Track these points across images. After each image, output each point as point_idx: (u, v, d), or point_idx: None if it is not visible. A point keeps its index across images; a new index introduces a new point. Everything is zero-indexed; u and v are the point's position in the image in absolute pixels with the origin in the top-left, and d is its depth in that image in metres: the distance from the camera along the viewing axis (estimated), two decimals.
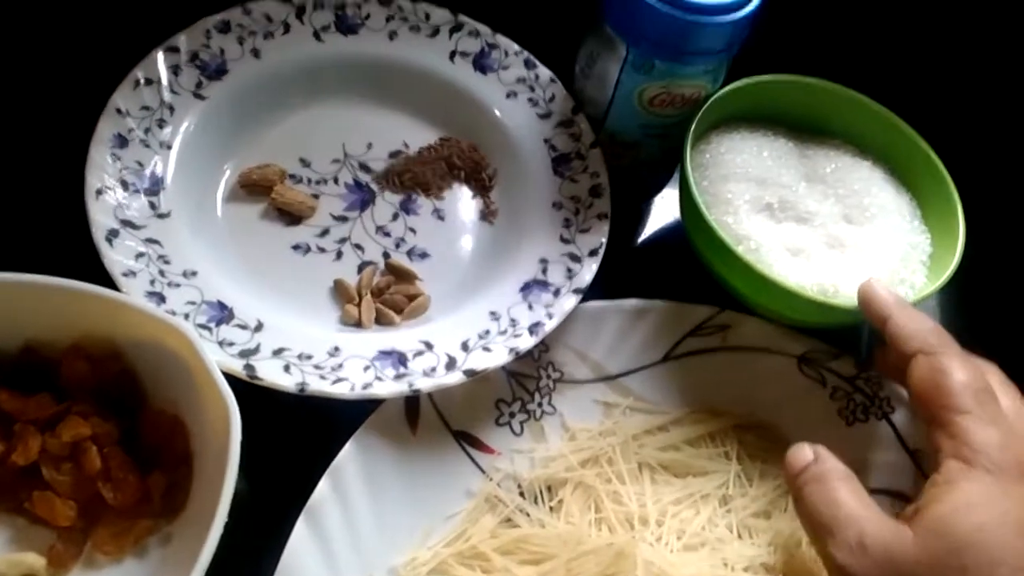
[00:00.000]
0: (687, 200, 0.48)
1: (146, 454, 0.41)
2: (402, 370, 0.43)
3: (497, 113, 0.54)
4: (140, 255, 0.43)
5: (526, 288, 0.47)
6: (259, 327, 0.43)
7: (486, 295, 0.47)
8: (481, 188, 0.53)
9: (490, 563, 0.41)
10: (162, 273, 0.43)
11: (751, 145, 0.52)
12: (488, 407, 0.46)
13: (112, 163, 0.45)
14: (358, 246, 0.49)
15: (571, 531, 0.42)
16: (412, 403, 0.44)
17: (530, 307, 0.46)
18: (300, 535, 0.39)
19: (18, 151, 0.51)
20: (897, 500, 0.46)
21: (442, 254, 0.50)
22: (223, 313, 0.43)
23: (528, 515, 0.44)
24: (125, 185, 0.45)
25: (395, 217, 0.51)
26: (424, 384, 0.42)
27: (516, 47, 0.55)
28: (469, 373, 0.43)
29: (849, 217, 0.51)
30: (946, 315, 0.56)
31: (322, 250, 0.49)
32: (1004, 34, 0.64)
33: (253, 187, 0.49)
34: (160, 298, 0.42)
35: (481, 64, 0.55)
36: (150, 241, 0.44)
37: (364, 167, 0.52)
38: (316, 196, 0.50)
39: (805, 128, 0.54)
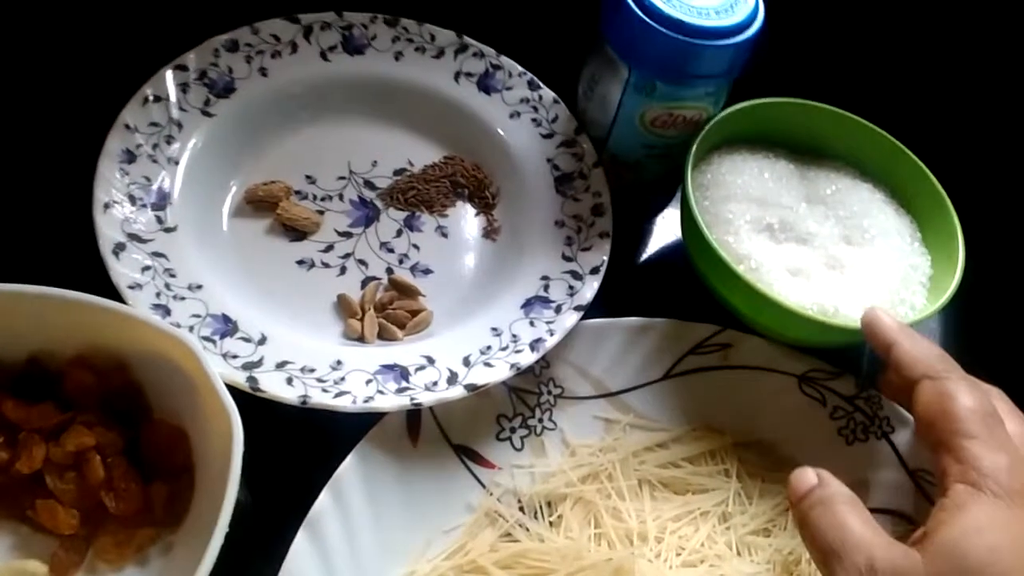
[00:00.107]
0: (688, 220, 0.49)
1: (149, 464, 0.41)
2: (404, 384, 0.43)
3: (501, 133, 0.54)
4: (146, 268, 0.44)
5: (528, 304, 0.48)
6: (263, 340, 0.44)
7: (488, 311, 0.48)
8: (484, 206, 0.53)
9: None
10: (168, 286, 0.44)
11: (752, 166, 0.53)
12: (489, 422, 0.46)
13: (120, 178, 0.46)
14: (362, 262, 0.50)
15: (570, 546, 0.42)
16: (413, 417, 0.44)
17: (531, 323, 0.47)
18: (300, 546, 0.39)
19: (28, 165, 0.52)
20: (897, 519, 0.46)
21: (445, 270, 0.51)
22: (227, 326, 0.44)
23: (528, 530, 0.44)
24: (132, 199, 0.46)
25: (399, 234, 0.52)
26: (425, 398, 0.43)
27: (520, 68, 0.56)
28: (470, 388, 0.43)
29: (849, 238, 0.51)
30: (946, 336, 0.56)
31: (326, 265, 0.49)
32: (1002, 59, 0.64)
33: (259, 203, 0.50)
34: (165, 311, 0.43)
35: (485, 85, 0.55)
36: (156, 255, 0.45)
37: (369, 184, 0.53)
38: (321, 212, 0.51)
39: (806, 150, 0.55)
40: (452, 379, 0.44)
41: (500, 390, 0.46)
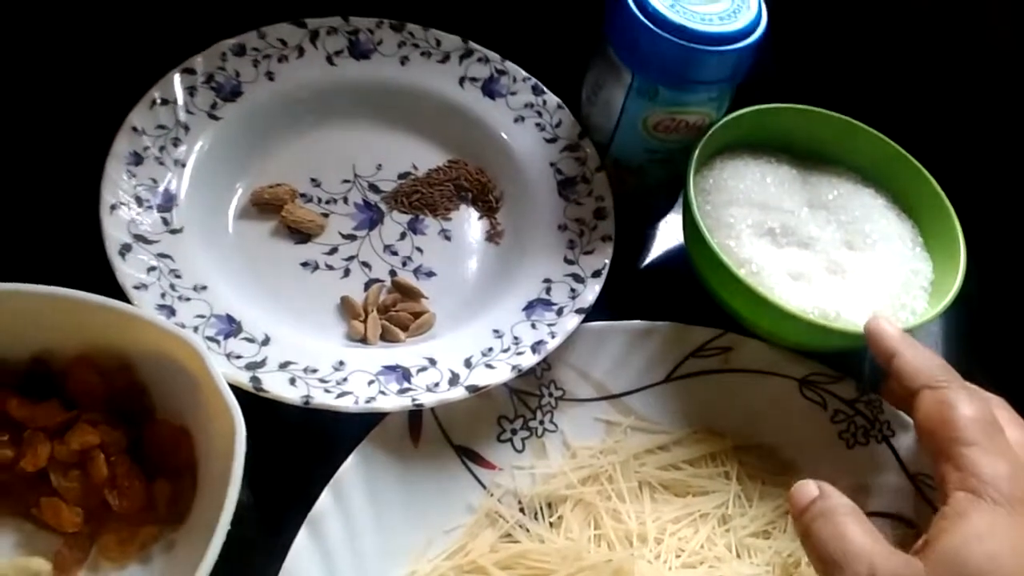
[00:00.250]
0: (690, 224, 0.49)
1: (152, 463, 0.41)
2: (405, 385, 0.44)
3: (505, 137, 0.55)
4: (152, 269, 0.44)
5: (529, 307, 0.48)
6: (266, 341, 0.44)
7: (490, 313, 0.48)
8: (488, 209, 0.54)
9: None
10: (173, 287, 0.44)
11: (754, 171, 0.53)
12: (490, 423, 0.46)
13: (127, 179, 0.47)
14: (366, 264, 0.50)
15: (570, 547, 0.42)
16: (415, 418, 0.44)
17: (533, 326, 0.47)
18: (302, 545, 0.39)
19: (36, 166, 0.53)
20: (897, 523, 0.46)
21: (448, 273, 0.51)
22: (231, 327, 0.44)
23: (528, 531, 0.44)
24: (139, 201, 0.46)
25: (403, 236, 0.52)
26: (427, 399, 0.43)
27: (524, 74, 0.56)
28: (472, 389, 0.44)
29: (851, 243, 0.51)
30: (947, 340, 0.56)
31: (330, 267, 0.50)
32: (1003, 65, 0.64)
33: (264, 205, 0.50)
34: (170, 311, 0.43)
35: (490, 90, 0.56)
36: (162, 256, 0.45)
37: (373, 187, 0.53)
38: (326, 215, 0.51)
39: (808, 155, 0.55)
40: (454, 380, 0.44)
41: (501, 392, 0.46)
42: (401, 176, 0.54)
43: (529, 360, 0.45)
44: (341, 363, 0.44)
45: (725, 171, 0.52)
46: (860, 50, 0.66)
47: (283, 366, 0.43)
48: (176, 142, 0.49)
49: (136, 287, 0.43)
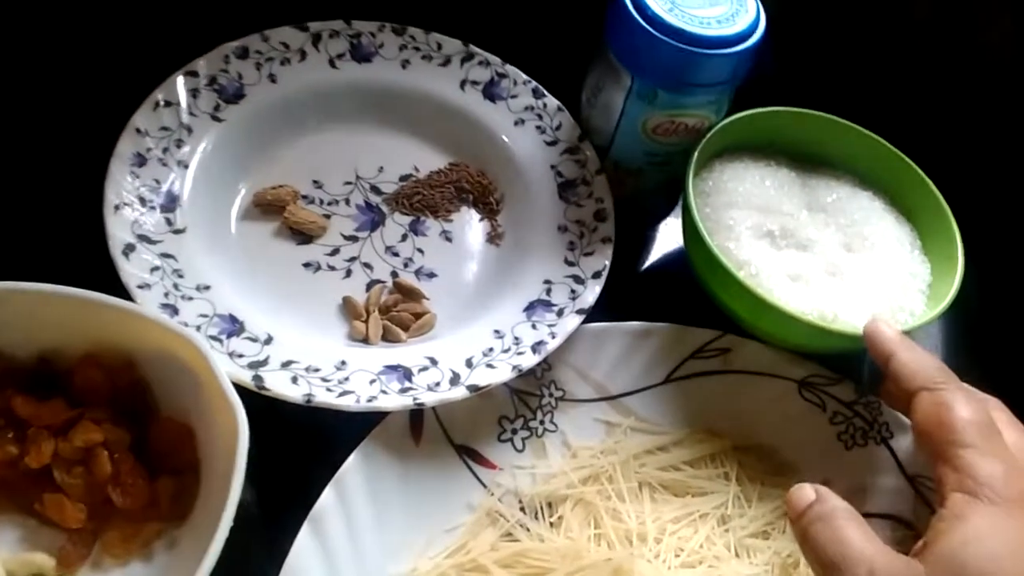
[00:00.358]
0: (689, 226, 0.49)
1: (155, 460, 0.41)
2: (407, 384, 0.44)
3: (505, 140, 0.55)
4: (155, 269, 0.45)
5: (530, 308, 0.48)
6: (269, 340, 0.44)
7: (491, 314, 0.48)
8: (488, 211, 0.54)
9: (489, 575, 0.42)
10: (176, 287, 0.45)
11: (753, 174, 0.53)
12: (491, 423, 0.47)
13: (131, 180, 0.47)
14: (367, 265, 0.51)
15: (570, 546, 0.43)
16: (416, 417, 0.45)
17: (533, 326, 0.47)
18: (303, 542, 0.40)
19: (41, 166, 0.53)
20: (896, 524, 0.46)
21: (449, 274, 0.51)
22: (234, 326, 0.44)
23: (528, 530, 0.44)
24: (142, 201, 0.47)
25: (404, 238, 0.52)
26: (428, 398, 0.43)
27: (525, 77, 0.57)
28: (472, 388, 0.44)
29: (849, 246, 0.52)
30: (945, 342, 0.56)
31: (332, 268, 0.50)
32: (1001, 71, 0.65)
33: (267, 206, 0.51)
34: (173, 310, 0.44)
35: (490, 93, 0.56)
36: (165, 256, 0.46)
37: (375, 189, 0.54)
38: (328, 216, 0.52)
39: (807, 158, 0.55)
40: (455, 380, 0.44)
41: (502, 392, 0.47)
42: (402, 178, 0.54)
43: (530, 360, 0.45)
44: (343, 362, 0.44)
45: (724, 174, 0.53)
46: (858, 53, 0.66)
47: (285, 365, 0.43)
48: (179, 143, 0.49)
49: (140, 286, 0.43)
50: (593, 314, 0.48)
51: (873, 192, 0.54)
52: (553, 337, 0.46)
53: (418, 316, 0.49)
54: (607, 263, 0.50)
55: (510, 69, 0.57)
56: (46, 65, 0.57)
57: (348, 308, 0.48)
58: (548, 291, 0.49)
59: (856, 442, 0.48)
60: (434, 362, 0.45)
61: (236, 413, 0.38)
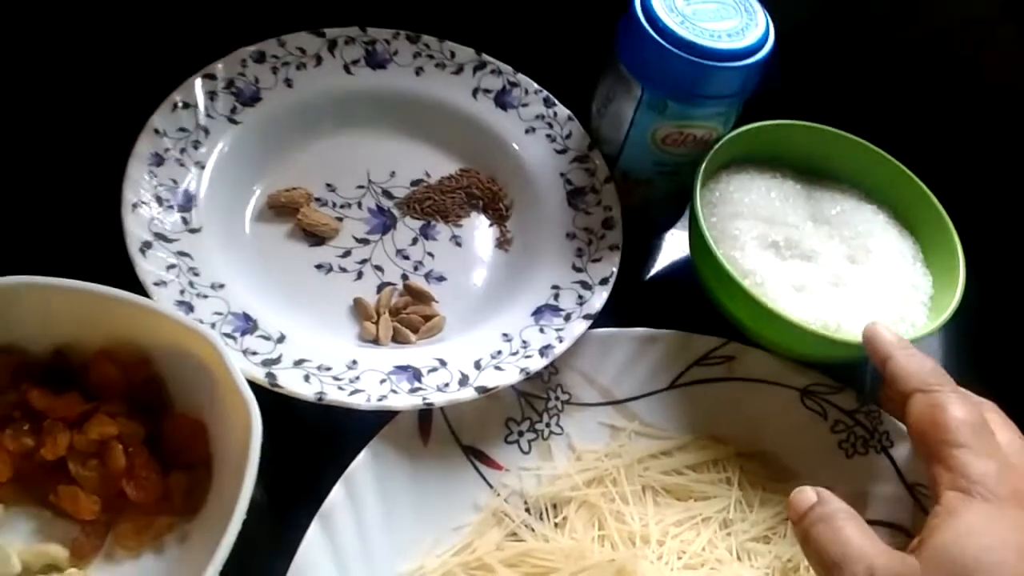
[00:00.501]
0: (696, 235, 0.50)
1: (168, 455, 0.42)
2: (416, 384, 0.45)
3: (516, 147, 0.56)
4: (171, 267, 0.45)
5: (538, 312, 0.49)
6: (281, 339, 0.45)
7: (499, 317, 0.49)
8: (498, 217, 0.55)
9: (495, 574, 0.42)
10: (191, 284, 0.45)
11: (759, 185, 0.54)
12: (498, 425, 0.47)
13: (148, 179, 0.48)
14: (378, 267, 0.51)
15: (574, 547, 0.43)
16: (425, 417, 0.45)
17: (541, 330, 0.48)
18: (313, 538, 0.40)
19: (61, 165, 0.54)
20: (895, 532, 0.46)
21: (458, 278, 0.52)
22: (248, 324, 0.45)
23: (533, 530, 0.45)
24: (159, 201, 0.48)
25: (415, 242, 0.53)
26: (437, 399, 0.44)
27: (536, 86, 0.58)
28: (481, 390, 0.45)
29: (853, 257, 0.52)
30: (946, 354, 0.57)
31: (344, 270, 0.51)
32: (1004, 87, 0.66)
33: (281, 208, 0.52)
34: (189, 307, 0.44)
35: (502, 101, 0.57)
36: (181, 254, 0.46)
37: (387, 193, 0.54)
38: (340, 219, 0.52)
39: (812, 171, 0.56)
40: (463, 381, 0.45)
41: (509, 394, 0.47)
42: (414, 183, 0.55)
43: (537, 363, 0.46)
44: (354, 362, 0.45)
45: (731, 185, 0.54)
46: (863, 69, 0.67)
47: (298, 363, 0.44)
48: (196, 144, 0.50)
49: (156, 283, 0.44)
50: (600, 320, 0.49)
51: (877, 205, 0.55)
52: (560, 341, 0.47)
53: (427, 318, 0.49)
54: (614, 270, 0.50)
55: (522, 78, 0.58)
56: (68, 67, 0.58)
57: (359, 309, 0.49)
58: (556, 296, 0.50)
59: (857, 450, 0.49)
60: (443, 363, 0.46)
61: (250, 409, 0.39)
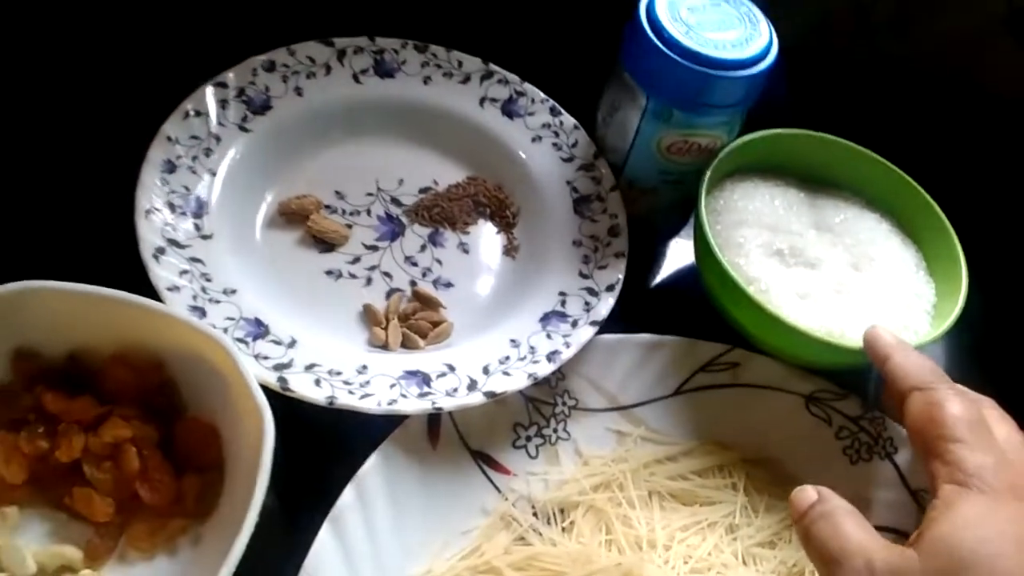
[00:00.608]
0: (701, 242, 0.51)
1: (181, 458, 0.42)
2: (426, 389, 0.45)
3: (522, 156, 0.57)
4: (184, 272, 0.46)
5: (545, 318, 0.50)
6: (292, 343, 0.46)
7: (507, 323, 0.50)
8: (505, 225, 0.55)
9: None
10: (204, 290, 0.46)
11: (763, 193, 0.55)
12: (506, 429, 0.48)
13: (161, 186, 0.48)
14: (387, 274, 0.52)
15: (581, 551, 0.44)
16: (434, 421, 0.46)
17: (548, 336, 0.48)
18: (324, 540, 0.41)
19: (76, 172, 0.54)
20: (899, 537, 0.46)
21: (466, 284, 0.53)
22: (260, 329, 0.46)
23: (540, 534, 0.45)
24: (172, 207, 0.48)
25: (423, 248, 0.54)
26: (446, 403, 0.45)
27: (542, 95, 0.58)
28: (489, 395, 0.45)
29: (856, 265, 0.53)
30: (949, 361, 0.57)
31: (353, 276, 0.51)
32: (1005, 98, 0.66)
33: (291, 215, 0.52)
34: (201, 312, 0.45)
35: (509, 110, 0.58)
36: (194, 260, 0.47)
37: (395, 201, 0.55)
38: (349, 226, 0.53)
39: (815, 179, 0.57)
40: (472, 386, 0.46)
41: (517, 399, 0.48)
42: (422, 191, 0.56)
43: (545, 369, 0.47)
44: (364, 367, 0.46)
45: (736, 193, 0.54)
46: (866, 79, 0.68)
47: (309, 368, 0.45)
48: (208, 152, 0.51)
49: (169, 289, 0.45)
50: (606, 326, 0.49)
51: (880, 214, 0.56)
52: (568, 347, 0.48)
53: (435, 324, 0.50)
54: (620, 277, 0.51)
55: (528, 87, 0.58)
56: (82, 76, 0.58)
57: (368, 315, 0.50)
58: (563, 303, 0.50)
59: (861, 456, 0.49)
60: (452, 368, 0.47)
61: (263, 413, 0.39)
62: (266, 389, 0.41)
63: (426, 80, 0.58)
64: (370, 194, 0.55)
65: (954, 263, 0.52)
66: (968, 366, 0.57)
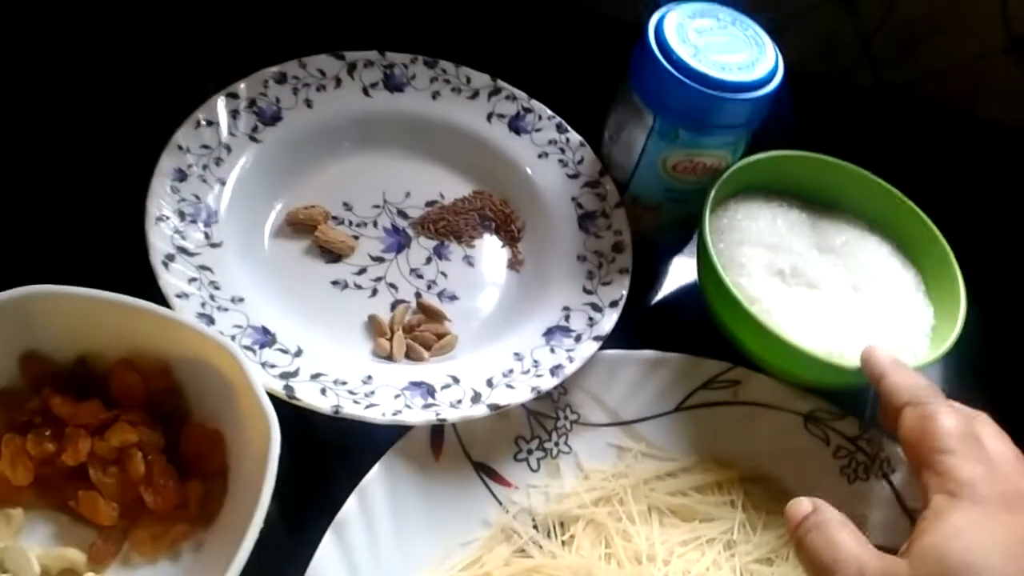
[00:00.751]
0: (705, 261, 0.51)
1: (186, 463, 0.43)
2: (430, 400, 0.46)
3: (528, 171, 0.57)
4: (193, 280, 0.46)
5: (549, 333, 0.50)
6: (299, 352, 0.46)
7: (511, 337, 0.50)
8: (510, 239, 0.56)
9: None
10: (212, 297, 0.46)
11: (766, 214, 0.55)
12: (508, 442, 0.48)
13: (171, 194, 0.49)
14: (392, 285, 0.52)
15: (581, 564, 0.44)
16: (437, 433, 0.46)
17: (552, 350, 0.49)
18: (327, 548, 0.41)
19: (88, 179, 0.55)
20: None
21: (470, 297, 0.53)
22: (266, 337, 0.46)
23: (541, 547, 0.45)
24: (182, 215, 0.49)
25: (428, 261, 0.54)
26: (450, 415, 0.45)
27: (549, 112, 0.59)
28: (493, 407, 0.45)
29: (857, 287, 0.53)
30: (948, 384, 0.57)
31: (359, 287, 0.52)
32: (1005, 122, 0.67)
33: (299, 225, 0.53)
34: (209, 320, 0.45)
35: (516, 126, 0.58)
36: (202, 268, 0.47)
37: (402, 213, 0.56)
38: (356, 237, 0.54)
39: (818, 201, 0.57)
40: (476, 398, 0.46)
41: (520, 413, 0.48)
42: (428, 204, 0.56)
43: (548, 382, 0.47)
44: (369, 377, 0.46)
45: (739, 212, 0.55)
46: (869, 104, 0.69)
47: (314, 377, 0.45)
48: (218, 161, 0.51)
49: (178, 295, 0.45)
50: (608, 342, 0.50)
51: (881, 237, 0.56)
52: (571, 361, 0.48)
53: (440, 336, 0.50)
54: (624, 293, 0.52)
55: (535, 104, 0.59)
56: (94, 85, 0.59)
57: (373, 326, 0.50)
58: (567, 317, 0.51)
59: (858, 476, 0.50)
60: (456, 380, 0.47)
61: (269, 421, 0.39)
62: (271, 397, 0.41)
63: (435, 95, 0.58)
64: (377, 206, 0.55)
65: (953, 286, 0.53)
66: (967, 386, 0.57)
